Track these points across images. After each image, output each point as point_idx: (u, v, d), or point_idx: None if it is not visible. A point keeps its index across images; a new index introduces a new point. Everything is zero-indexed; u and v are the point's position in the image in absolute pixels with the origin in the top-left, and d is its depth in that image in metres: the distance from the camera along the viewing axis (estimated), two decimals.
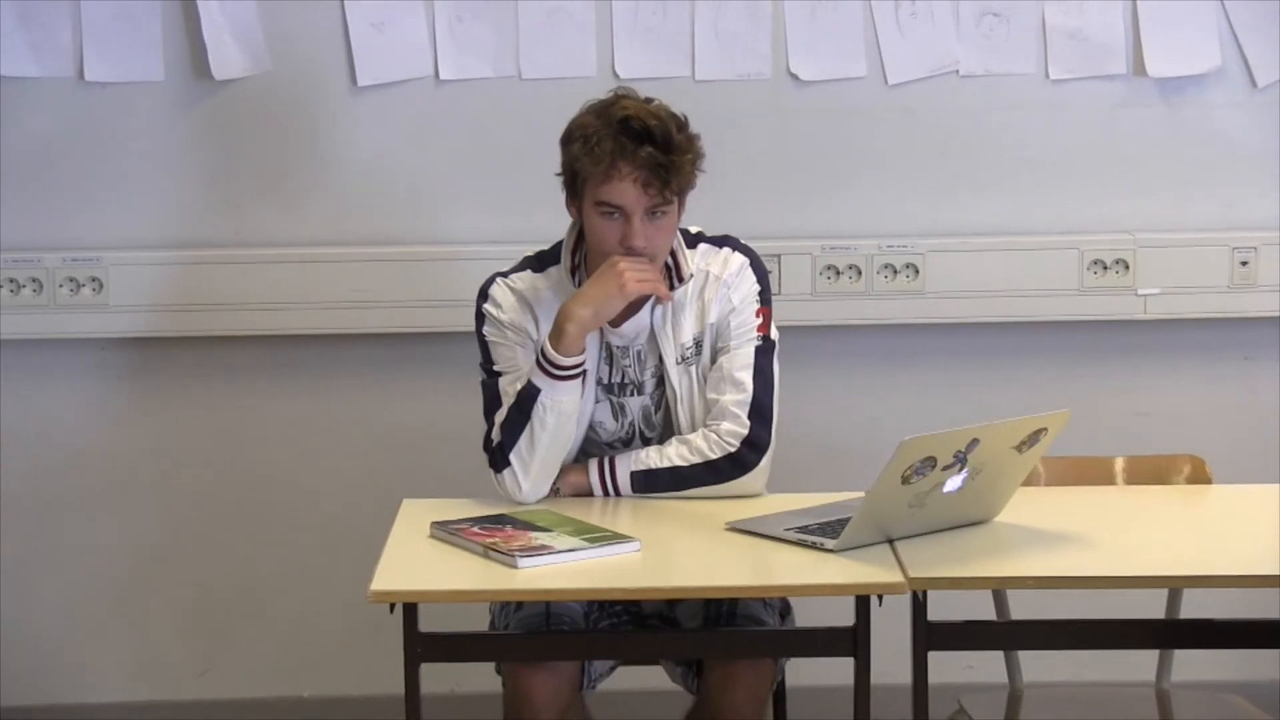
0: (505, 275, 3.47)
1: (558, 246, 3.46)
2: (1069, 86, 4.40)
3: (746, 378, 3.39)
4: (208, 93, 4.35)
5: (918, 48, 4.37)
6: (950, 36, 4.37)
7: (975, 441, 3.03)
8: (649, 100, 3.35)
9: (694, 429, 3.41)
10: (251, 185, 4.39)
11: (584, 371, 3.35)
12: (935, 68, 4.39)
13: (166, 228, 4.38)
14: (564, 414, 3.33)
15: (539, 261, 3.47)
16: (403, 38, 4.34)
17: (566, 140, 3.35)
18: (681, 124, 3.33)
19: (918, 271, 4.38)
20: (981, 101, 4.40)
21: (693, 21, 4.35)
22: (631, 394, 3.45)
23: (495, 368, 3.43)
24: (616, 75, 4.32)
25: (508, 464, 3.34)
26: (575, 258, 3.42)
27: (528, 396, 3.32)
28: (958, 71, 4.39)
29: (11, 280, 4.31)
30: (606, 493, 3.39)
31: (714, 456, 3.37)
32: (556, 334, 3.31)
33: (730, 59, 4.36)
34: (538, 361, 3.33)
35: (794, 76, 4.38)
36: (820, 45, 4.37)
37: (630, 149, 3.25)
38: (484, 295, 3.46)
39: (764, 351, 3.41)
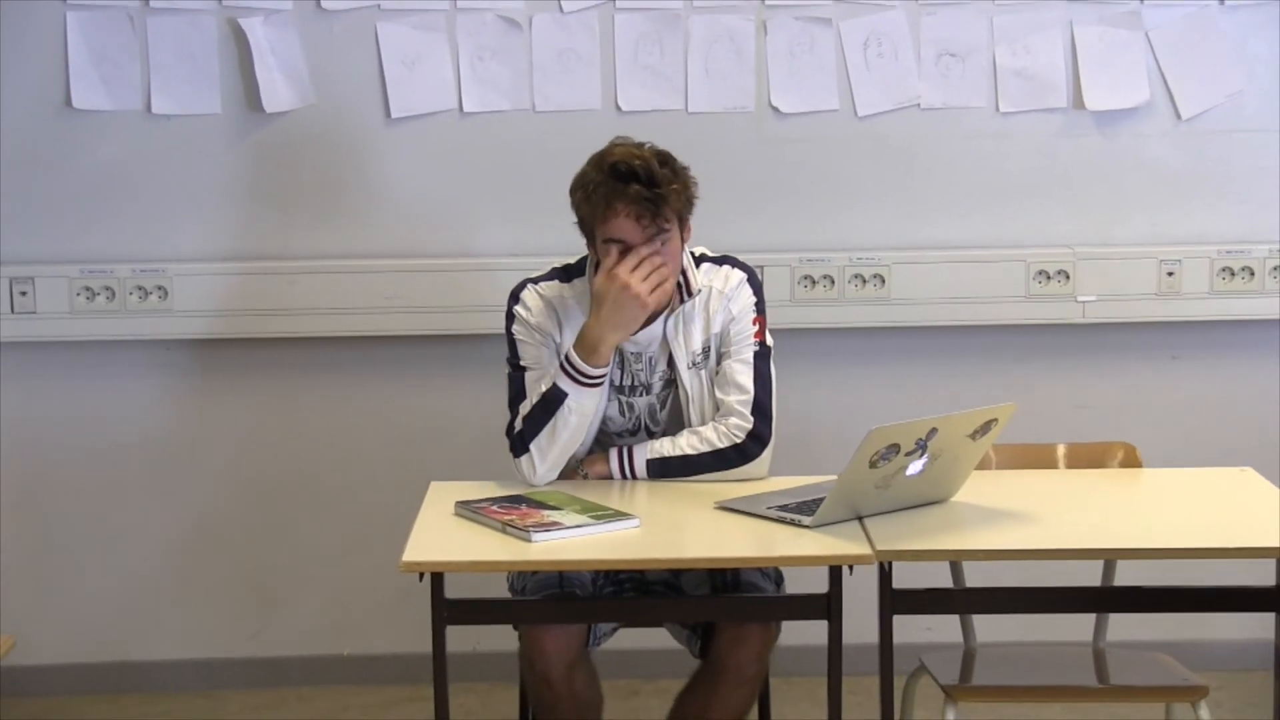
0: (535, 282, 3.47)
1: (584, 260, 3.46)
2: (1016, 118, 4.40)
3: (747, 380, 3.39)
4: (259, 124, 4.35)
5: (884, 84, 4.37)
6: (912, 74, 4.37)
7: (934, 430, 3.03)
8: (641, 144, 3.34)
9: (704, 424, 3.42)
10: (298, 205, 4.39)
11: (607, 378, 3.36)
12: (899, 101, 4.39)
13: (224, 242, 4.38)
14: (584, 415, 3.34)
15: (566, 273, 3.46)
16: (431, 75, 4.34)
17: (573, 191, 3.34)
18: (665, 159, 3.31)
19: (884, 281, 4.38)
20: (940, 131, 4.39)
21: (685, 60, 4.35)
22: (640, 394, 3.45)
23: (521, 363, 3.43)
24: (619, 108, 4.33)
25: (527, 451, 3.34)
26: (596, 271, 3.42)
27: (554, 399, 3.32)
28: (919, 105, 4.39)
29: (88, 289, 4.31)
30: (625, 477, 3.39)
31: (722, 446, 3.37)
32: (589, 350, 3.30)
33: (719, 94, 4.36)
34: (565, 371, 3.32)
35: (775, 109, 4.38)
36: (798, 82, 4.37)
37: (620, 189, 3.24)
38: (515, 298, 3.46)
39: (761, 356, 3.42)
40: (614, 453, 3.40)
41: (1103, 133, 4.41)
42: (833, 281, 4.37)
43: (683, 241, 3.37)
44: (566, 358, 3.33)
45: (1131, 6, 4.36)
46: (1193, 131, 4.41)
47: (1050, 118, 4.40)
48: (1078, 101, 4.39)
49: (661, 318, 3.40)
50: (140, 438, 4.47)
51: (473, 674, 4.23)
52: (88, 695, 4.48)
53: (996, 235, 4.43)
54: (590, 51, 4.34)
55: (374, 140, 4.36)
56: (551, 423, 3.32)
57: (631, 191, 3.24)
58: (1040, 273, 4.39)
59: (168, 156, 4.35)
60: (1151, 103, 4.39)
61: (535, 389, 3.37)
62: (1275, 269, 4.38)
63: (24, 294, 4.32)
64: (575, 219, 3.37)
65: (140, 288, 4.33)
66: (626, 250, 3.28)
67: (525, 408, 3.36)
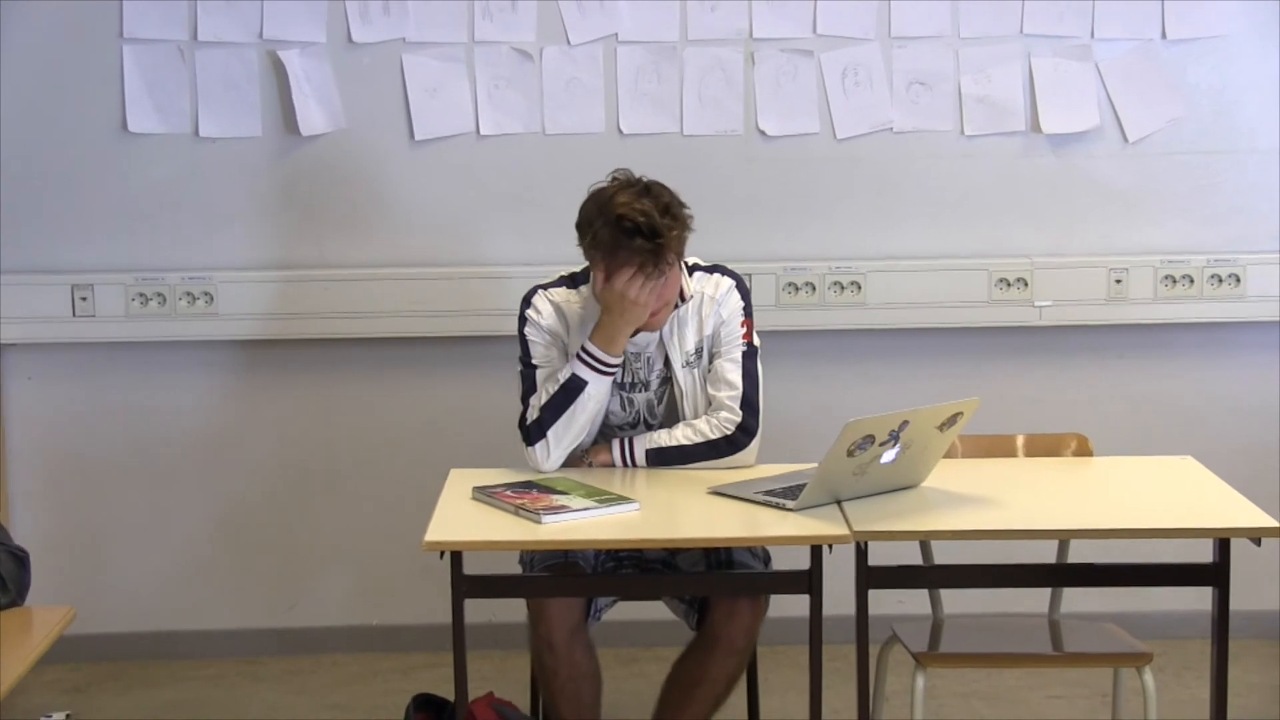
0: (545, 288, 3.46)
1: (589, 269, 3.44)
2: (979, 141, 4.39)
3: (737, 378, 3.39)
4: (296, 145, 4.34)
5: (860, 110, 4.37)
6: (885, 101, 4.37)
7: (906, 423, 3.03)
8: (642, 187, 3.27)
9: (697, 418, 3.41)
10: (331, 219, 4.38)
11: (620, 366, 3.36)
12: (874, 125, 4.38)
13: (264, 252, 4.38)
14: (599, 401, 3.34)
15: (572, 280, 3.46)
16: (451, 101, 4.33)
17: (580, 230, 3.30)
18: (666, 208, 3.24)
19: (860, 288, 4.38)
20: (910, 152, 4.39)
21: (681, 88, 4.35)
22: (639, 390, 3.45)
23: (532, 362, 3.42)
24: (620, 131, 4.33)
25: (543, 438, 3.33)
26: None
27: (575, 387, 3.31)
28: (891, 128, 4.38)
29: (141, 295, 4.31)
30: (626, 465, 3.38)
31: (714, 437, 3.37)
32: (607, 341, 3.30)
33: (711, 118, 4.36)
34: (583, 361, 3.31)
35: (762, 132, 4.37)
36: (782, 107, 4.36)
37: (625, 242, 3.20)
38: (527, 302, 3.45)
39: (749, 356, 3.41)
40: (616, 443, 3.40)
41: (1057, 154, 4.41)
42: (814, 288, 4.37)
43: (679, 261, 3.35)
44: (585, 349, 3.32)
45: (1083, 40, 4.36)
46: (1138, 153, 4.41)
47: (1010, 140, 4.40)
48: (1035, 126, 4.39)
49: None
50: (188, 429, 4.46)
51: (488, 643, 4.23)
52: (142, 661, 4.48)
53: (962, 246, 4.42)
54: (595, 80, 4.33)
55: (399, 160, 4.36)
56: (571, 409, 3.32)
57: (635, 245, 3.20)
58: (1001, 280, 4.39)
59: (214, 175, 4.35)
60: (1101, 127, 4.39)
61: (549, 383, 3.37)
62: (1212, 277, 4.38)
63: (84, 299, 4.32)
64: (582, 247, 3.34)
65: (189, 294, 4.32)
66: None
67: (543, 397, 3.35)
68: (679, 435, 3.38)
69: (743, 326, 3.42)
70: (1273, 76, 4.38)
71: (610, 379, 3.35)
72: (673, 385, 3.43)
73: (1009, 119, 4.38)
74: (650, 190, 3.27)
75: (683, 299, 3.40)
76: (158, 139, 4.33)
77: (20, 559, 2.82)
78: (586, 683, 3.31)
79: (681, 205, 3.30)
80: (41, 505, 4.46)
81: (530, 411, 3.37)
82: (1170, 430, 4.40)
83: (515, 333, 3.46)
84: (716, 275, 3.46)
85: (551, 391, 3.34)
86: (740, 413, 3.37)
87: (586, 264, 3.44)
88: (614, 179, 3.31)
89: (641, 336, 3.40)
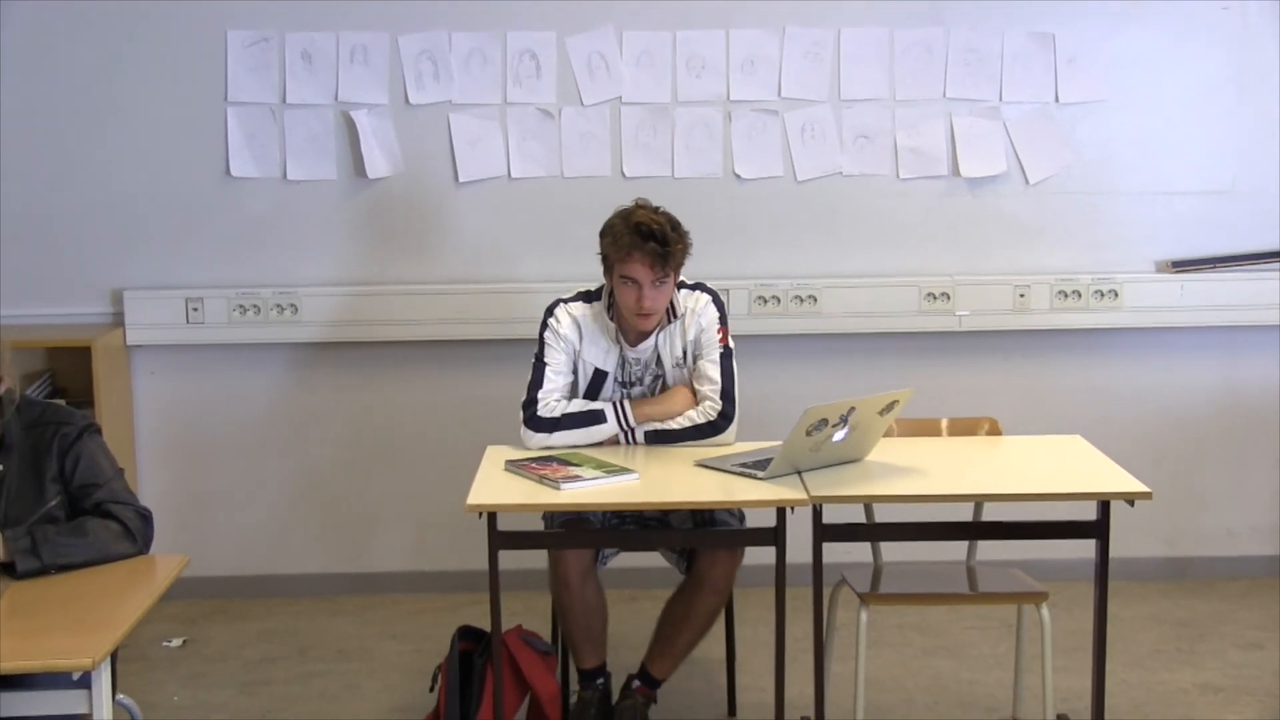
0: (566, 301, 3.45)
1: (601, 288, 3.43)
2: (912, 183, 4.39)
3: (716, 374, 3.38)
4: (364, 186, 4.34)
5: (815, 157, 4.37)
6: (836, 150, 4.37)
7: (853, 409, 3.04)
8: (656, 209, 3.32)
9: None
10: (392, 245, 4.38)
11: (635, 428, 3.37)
12: (827, 170, 4.38)
13: (339, 271, 4.38)
14: (603, 435, 3.32)
15: (588, 296, 3.45)
16: (487, 151, 4.33)
17: (603, 234, 3.32)
18: (674, 225, 3.30)
19: (816, 300, 4.38)
20: (856, 192, 4.39)
21: (672, 139, 4.35)
22: (635, 386, 3.44)
23: (544, 360, 3.41)
24: (624, 175, 4.32)
25: (548, 434, 3.31)
26: (610, 299, 3.40)
27: (596, 419, 3.31)
28: (841, 172, 4.38)
29: (241, 306, 4.31)
30: (629, 443, 3.37)
31: (700, 422, 3.36)
32: (642, 416, 3.32)
33: (696, 164, 4.36)
34: (616, 410, 3.31)
35: (737, 175, 4.37)
36: (753, 155, 4.36)
37: (640, 243, 3.23)
38: (550, 311, 3.44)
39: (725, 356, 3.41)
40: (617, 421, 3.38)
41: (973, 193, 4.41)
42: (779, 300, 4.37)
43: (676, 277, 3.36)
44: (623, 404, 3.33)
45: (993, 103, 4.36)
46: (1037, 193, 4.41)
47: (936, 182, 4.40)
48: (955, 170, 4.39)
49: (654, 334, 3.40)
50: (278, 413, 4.47)
51: (518, 585, 4.20)
52: (243, 598, 4.48)
53: (897, 266, 4.42)
54: (603, 134, 4.33)
55: (446, 198, 4.36)
56: (583, 430, 3.31)
57: (649, 247, 3.23)
58: (929, 294, 4.39)
59: (298, 210, 4.35)
60: (1008, 172, 4.39)
61: (553, 379, 3.35)
62: (1096, 293, 4.39)
63: (195, 310, 4.32)
64: (600, 254, 3.34)
65: (278, 305, 4.32)
66: (636, 287, 3.27)
67: (572, 407, 3.33)
68: (671, 421, 3.38)
69: (719, 333, 3.42)
70: (1140, 133, 4.39)
71: (618, 429, 3.33)
72: (662, 381, 3.43)
73: (935, 165, 4.39)
74: (661, 211, 3.32)
75: (675, 315, 3.40)
76: (254, 181, 4.33)
77: (145, 516, 2.83)
78: (596, 616, 3.32)
79: (686, 231, 3.33)
80: (162, 473, 4.46)
81: (544, 408, 3.34)
82: (1063, 415, 4.39)
83: (537, 337, 3.46)
84: (698, 292, 3.45)
85: (578, 410, 3.33)
86: (721, 402, 3.37)
87: (599, 283, 3.44)
88: (636, 202, 3.34)
89: (642, 345, 3.40)
